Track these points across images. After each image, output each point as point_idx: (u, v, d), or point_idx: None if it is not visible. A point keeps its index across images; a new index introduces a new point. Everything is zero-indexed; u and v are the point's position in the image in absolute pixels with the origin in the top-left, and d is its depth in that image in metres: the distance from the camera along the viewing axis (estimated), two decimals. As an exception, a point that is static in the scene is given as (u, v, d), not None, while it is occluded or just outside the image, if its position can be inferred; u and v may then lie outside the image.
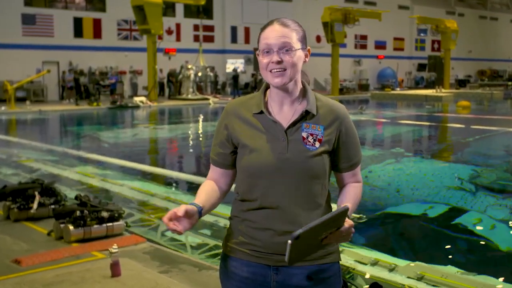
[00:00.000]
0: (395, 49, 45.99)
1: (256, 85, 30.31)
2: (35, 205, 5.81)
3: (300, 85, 1.95)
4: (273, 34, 1.87)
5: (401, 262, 5.04)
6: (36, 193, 5.95)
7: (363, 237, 6.03)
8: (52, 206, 5.84)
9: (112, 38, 30.90)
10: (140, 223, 6.39)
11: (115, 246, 4.20)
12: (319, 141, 1.90)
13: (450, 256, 5.48)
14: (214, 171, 2.04)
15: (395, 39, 45.99)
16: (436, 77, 43.50)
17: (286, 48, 1.86)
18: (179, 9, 33.36)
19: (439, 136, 16.97)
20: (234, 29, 35.98)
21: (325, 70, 35.49)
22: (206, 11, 33.26)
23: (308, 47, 1.95)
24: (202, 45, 31.55)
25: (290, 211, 1.86)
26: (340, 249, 2.11)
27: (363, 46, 43.76)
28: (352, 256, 5.15)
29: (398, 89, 39.82)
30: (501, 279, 4.79)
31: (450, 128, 18.97)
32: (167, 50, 32.39)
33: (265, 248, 1.88)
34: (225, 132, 1.98)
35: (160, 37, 28.41)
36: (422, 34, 46.73)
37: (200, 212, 1.85)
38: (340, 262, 2.01)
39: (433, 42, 47.91)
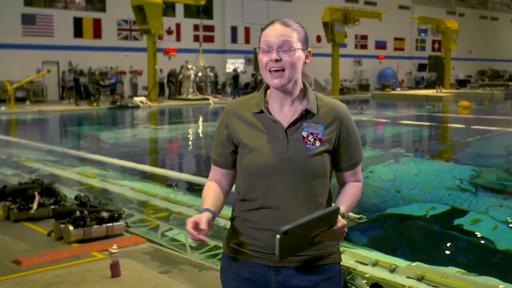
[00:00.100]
0: (395, 49, 45.99)
1: (256, 85, 30.31)
2: (35, 206, 5.80)
3: (300, 85, 1.95)
4: (273, 33, 1.87)
5: (401, 263, 5.03)
6: (36, 193, 5.94)
7: (363, 238, 6.02)
8: (52, 207, 5.83)
9: (112, 38, 30.90)
10: (140, 224, 6.38)
11: (115, 247, 4.19)
12: (320, 140, 1.89)
13: (450, 256, 5.47)
14: (215, 171, 2.04)
15: (396, 39, 45.98)
16: (437, 77, 43.48)
17: (285, 47, 1.86)
18: (179, 9, 33.36)
19: (439, 136, 16.96)
20: (234, 29, 35.98)
21: (326, 70, 35.48)
22: (206, 11, 33.26)
23: (309, 49, 1.94)
24: (202, 45, 31.55)
25: (290, 211, 1.86)
26: (341, 249, 2.10)
27: (364, 46, 43.76)
28: (352, 257, 5.14)
29: (398, 89, 39.82)
30: (501, 280, 4.78)
31: (450, 128, 18.96)
32: (167, 50, 32.38)
33: (265, 249, 1.88)
34: (225, 132, 1.98)
35: (160, 37, 28.41)
36: (422, 34, 46.73)
37: (214, 218, 1.89)
38: (341, 263, 2.00)
39: (433, 42, 47.91)
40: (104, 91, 28.49)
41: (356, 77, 41.22)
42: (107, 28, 30.58)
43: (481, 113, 24.60)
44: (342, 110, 1.95)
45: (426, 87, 42.27)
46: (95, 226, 5.19)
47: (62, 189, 7.05)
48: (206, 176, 2.06)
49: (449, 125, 19.95)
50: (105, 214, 5.26)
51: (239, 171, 1.96)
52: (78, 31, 29.62)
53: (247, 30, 36.27)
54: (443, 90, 35.19)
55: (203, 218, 1.80)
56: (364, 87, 39.83)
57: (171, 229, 6.18)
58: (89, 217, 5.18)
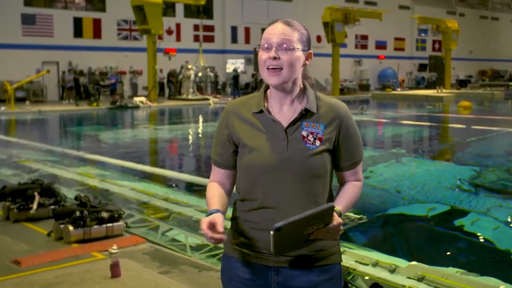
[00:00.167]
0: (395, 49, 45.99)
1: (257, 85, 30.30)
2: (34, 206, 5.79)
3: (300, 85, 1.94)
4: (274, 31, 1.87)
5: (402, 263, 5.03)
6: (36, 193, 5.93)
7: (364, 238, 6.02)
8: (52, 207, 5.82)
9: (112, 38, 30.90)
10: (140, 224, 6.37)
11: (115, 247, 4.18)
12: (320, 139, 1.88)
13: (450, 257, 5.46)
14: (217, 172, 2.03)
15: (396, 39, 45.98)
16: (437, 77, 43.44)
17: (285, 45, 1.85)
18: (179, 9, 33.36)
19: (440, 136, 16.95)
20: (234, 29, 35.98)
21: (326, 70, 35.47)
22: (206, 11, 33.26)
23: (310, 51, 1.94)
24: (202, 45, 31.55)
25: (290, 210, 1.85)
26: (341, 250, 2.10)
27: (364, 46, 43.75)
28: (353, 257, 5.13)
29: (398, 89, 39.80)
30: (502, 280, 4.77)
31: (451, 128, 18.96)
32: (167, 50, 32.38)
33: (265, 249, 1.87)
34: (226, 132, 1.97)
35: (160, 37, 28.40)
36: (422, 34, 46.73)
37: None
38: (341, 263, 2.00)
39: (434, 42, 47.91)
40: (104, 91, 28.47)
41: (356, 77, 41.21)
42: (107, 28, 30.58)
43: (481, 113, 24.60)
44: (342, 109, 1.94)
45: (427, 87, 42.25)
46: (95, 227, 5.18)
47: (62, 189, 7.04)
48: (206, 177, 2.06)
49: (449, 125, 19.94)
50: (105, 215, 5.25)
51: (239, 171, 1.96)
52: (78, 31, 29.62)
53: (247, 30, 36.27)
54: (444, 90, 35.18)
55: (218, 219, 1.80)
56: (364, 87, 39.82)
57: (171, 229, 6.17)
58: (89, 217, 5.17)
